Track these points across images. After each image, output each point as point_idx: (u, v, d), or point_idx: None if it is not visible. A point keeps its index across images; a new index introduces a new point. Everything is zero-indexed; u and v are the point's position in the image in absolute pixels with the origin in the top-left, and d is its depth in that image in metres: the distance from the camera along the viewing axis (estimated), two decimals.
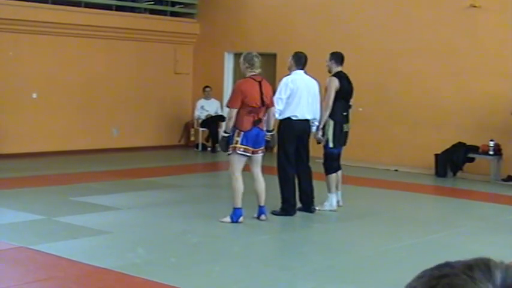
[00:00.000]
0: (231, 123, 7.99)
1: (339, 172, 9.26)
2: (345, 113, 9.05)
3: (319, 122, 8.81)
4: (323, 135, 8.88)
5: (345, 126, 9.06)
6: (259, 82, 8.04)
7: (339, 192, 9.29)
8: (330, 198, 9.06)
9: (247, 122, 7.97)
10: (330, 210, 9.02)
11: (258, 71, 8.12)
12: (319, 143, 9.00)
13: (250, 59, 8.10)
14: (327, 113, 8.81)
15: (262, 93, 8.00)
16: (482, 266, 0.99)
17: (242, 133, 7.97)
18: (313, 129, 8.87)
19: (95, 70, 14.87)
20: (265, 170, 8.47)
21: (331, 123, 8.86)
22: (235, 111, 7.95)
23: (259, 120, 8.05)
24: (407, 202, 10.43)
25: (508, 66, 12.58)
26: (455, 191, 11.51)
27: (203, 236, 7.64)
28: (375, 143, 14.00)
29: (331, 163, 9.04)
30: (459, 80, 13.09)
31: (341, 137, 9.02)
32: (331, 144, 8.90)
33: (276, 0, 15.41)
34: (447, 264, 1.02)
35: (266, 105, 8.09)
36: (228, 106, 8.13)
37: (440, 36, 13.30)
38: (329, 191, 9.07)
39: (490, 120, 12.53)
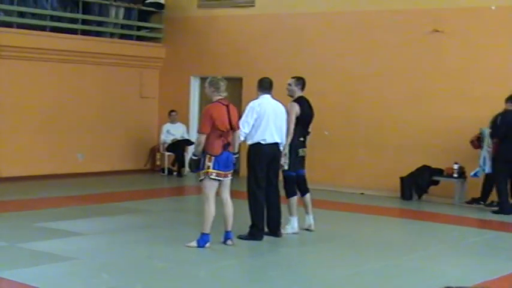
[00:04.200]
0: (200, 149, 7.97)
1: (307, 195, 9.33)
2: (301, 139, 9.14)
3: (284, 148, 8.85)
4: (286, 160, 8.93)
5: (300, 150, 9.14)
6: (227, 106, 8.06)
7: (311, 216, 9.32)
8: (292, 221, 9.12)
9: (217, 147, 7.96)
10: (293, 233, 9.04)
11: (224, 94, 8.13)
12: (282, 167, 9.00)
13: (215, 83, 8.12)
14: (289, 138, 8.88)
15: (230, 116, 8.02)
16: None
17: (213, 158, 7.94)
18: None
19: (59, 94, 14.75)
20: (232, 194, 8.44)
21: (287, 147, 8.93)
22: (204, 136, 7.93)
23: (229, 144, 8.06)
24: (373, 225, 10.48)
25: (471, 90, 12.76)
26: (421, 214, 11.60)
27: (169, 261, 7.58)
28: (341, 166, 14.07)
29: (291, 186, 9.08)
30: (424, 104, 13.24)
31: (296, 161, 9.08)
32: (286, 167, 8.95)
33: (241, 25, 15.47)
34: None
35: (233, 128, 8.10)
36: (199, 132, 8.09)
37: (404, 60, 13.46)
38: (291, 214, 9.11)
39: (454, 143, 12.67)
